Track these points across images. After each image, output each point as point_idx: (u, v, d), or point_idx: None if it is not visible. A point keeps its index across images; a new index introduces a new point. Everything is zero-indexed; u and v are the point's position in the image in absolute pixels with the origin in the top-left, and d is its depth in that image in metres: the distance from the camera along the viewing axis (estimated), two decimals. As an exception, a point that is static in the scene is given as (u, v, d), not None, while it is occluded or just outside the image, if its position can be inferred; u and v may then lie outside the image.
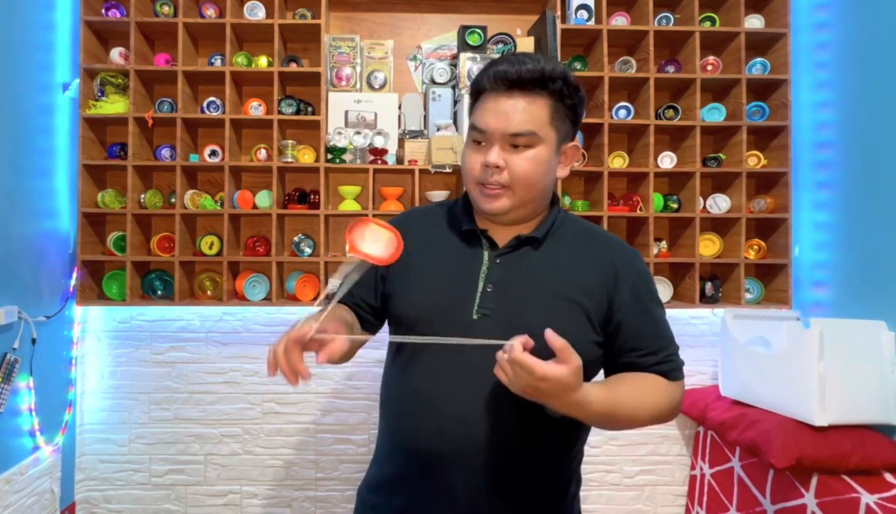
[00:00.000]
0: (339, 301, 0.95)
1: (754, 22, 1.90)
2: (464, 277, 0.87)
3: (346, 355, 0.84)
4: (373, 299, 0.96)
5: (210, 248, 1.82)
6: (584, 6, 1.85)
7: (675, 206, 1.91)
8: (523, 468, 0.84)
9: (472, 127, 0.85)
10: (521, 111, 0.81)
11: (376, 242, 0.78)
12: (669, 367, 0.87)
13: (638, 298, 0.86)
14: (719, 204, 1.89)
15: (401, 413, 0.88)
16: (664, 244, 1.95)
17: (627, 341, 0.86)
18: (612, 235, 0.96)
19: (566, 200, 1.92)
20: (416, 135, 1.87)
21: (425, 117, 1.91)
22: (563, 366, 0.66)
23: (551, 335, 0.66)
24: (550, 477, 0.87)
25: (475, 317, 0.84)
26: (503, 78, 0.81)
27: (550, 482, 0.87)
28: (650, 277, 0.91)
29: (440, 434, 0.83)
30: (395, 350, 0.94)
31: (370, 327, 0.98)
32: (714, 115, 1.89)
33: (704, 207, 1.90)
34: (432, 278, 0.89)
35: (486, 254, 0.88)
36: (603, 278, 0.86)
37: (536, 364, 0.66)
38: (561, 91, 0.82)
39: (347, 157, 1.83)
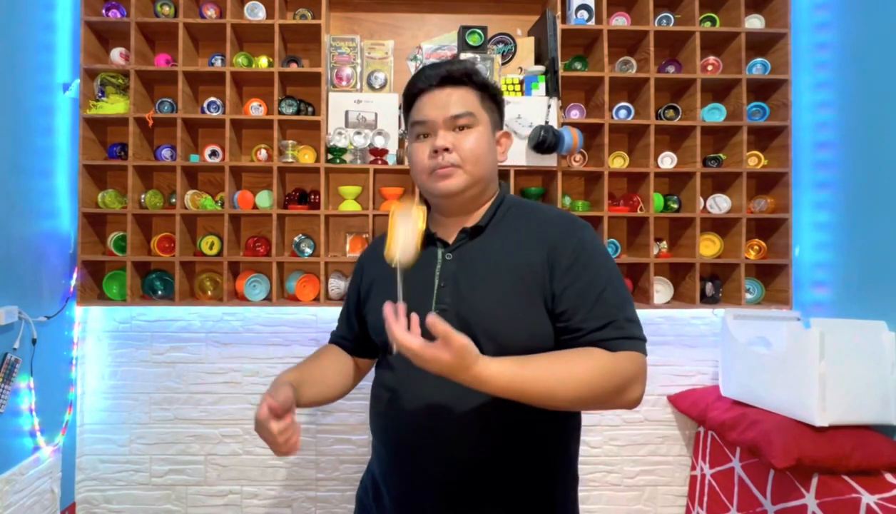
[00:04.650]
0: (335, 342, 1.11)
1: (754, 22, 1.90)
2: (423, 279, 0.92)
3: (323, 397, 0.99)
4: (350, 333, 1.08)
5: (210, 248, 1.82)
6: (584, 6, 1.85)
7: (676, 206, 1.91)
8: (498, 456, 0.86)
9: (415, 124, 0.94)
10: (456, 97, 0.92)
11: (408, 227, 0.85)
12: (611, 334, 0.82)
13: (576, 266, 0.86)
14: (720, 204, 1.89)
15: (378, 412, 0.95)
16: (664, 244, 1.95)
17: (565, 311, 0.85)
18: (558, 210, 0.98)
19: (566, 201, 1.92)
20: (416, 135, 1.87)
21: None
22: (445, 349, 0.69)
23: (432, 321, 0.68)
24: (530, 468, 0.88)
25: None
26: (435, 76, 0.93)
27: (530, 473, 0.88)
28: (594, 245, 0.89)
29: (414, 424, 0.88)
30: (378, 358, 1.04)
31: (369, 354, 1.10)
32: (714, 115, 1.89)
33: (705, 207, 1.90)
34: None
35: (439, 253, 0.94)
36: (544, 254, 0.88)
37: (421, 349, 0.69)
38: (483, 83, 0.94)
39: (348, 157, 1.83)
